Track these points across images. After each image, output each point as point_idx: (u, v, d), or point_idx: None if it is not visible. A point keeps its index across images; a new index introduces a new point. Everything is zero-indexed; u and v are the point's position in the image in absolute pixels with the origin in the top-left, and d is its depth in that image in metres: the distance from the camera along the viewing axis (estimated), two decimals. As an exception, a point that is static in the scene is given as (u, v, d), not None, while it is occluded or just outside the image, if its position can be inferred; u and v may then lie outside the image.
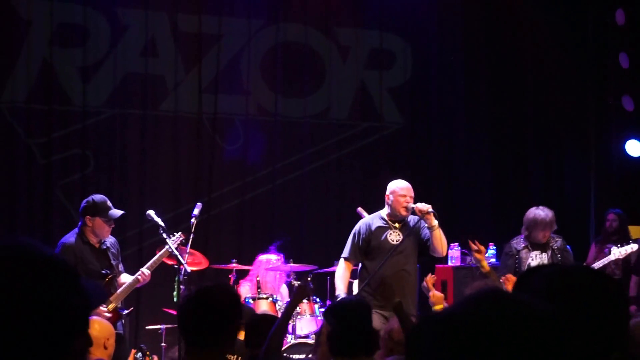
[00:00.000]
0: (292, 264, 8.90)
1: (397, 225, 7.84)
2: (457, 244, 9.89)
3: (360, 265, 7.95)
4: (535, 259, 8.34)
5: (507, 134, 12.21)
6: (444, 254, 8.00)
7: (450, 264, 9.78)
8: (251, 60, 11.15)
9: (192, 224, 8.23)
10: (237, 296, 4.02)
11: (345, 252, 7.91)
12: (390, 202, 7.84)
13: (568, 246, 9.79)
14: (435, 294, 6.59)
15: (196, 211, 8.38)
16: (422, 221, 7.76)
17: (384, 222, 7.86)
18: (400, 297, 7.37)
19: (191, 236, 8.12)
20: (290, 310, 5.48)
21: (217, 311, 3.79)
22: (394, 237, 7.77)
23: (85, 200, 7.79)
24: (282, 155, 11.24)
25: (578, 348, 1.76)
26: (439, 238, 7.67)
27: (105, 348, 5.34)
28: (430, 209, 7.61)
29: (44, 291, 1.43)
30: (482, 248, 7.39)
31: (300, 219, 11.20)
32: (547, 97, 12.30)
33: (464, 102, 12.01)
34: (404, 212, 7.77)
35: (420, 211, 7.62)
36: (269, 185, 11.15)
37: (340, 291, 7.70)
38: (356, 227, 7.97)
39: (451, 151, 11.97)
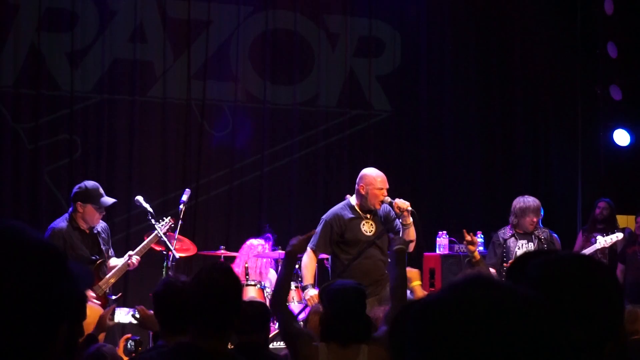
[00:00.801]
0: (279, 251, 8.90)
1: (368, 216, 7.56)
2: (445, 232, 9.91)
3: (330, 257, 7.69)
4: (522, 248, 8.41)
5: (495, 123, 12.22)
6: (411, 250, 7.38)
7: (438, 252, 9.80)
8: (240, 47, 11.12)
9: (181, 210, 8.23)
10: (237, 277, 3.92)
11: (313, 243, 7.43)
12: (364, 194, 7.50)
13: (555, 235, 9.83)
14: (410, 270, 6.52)
15: (184, 197, 8.38)
16: (392, 212, 7.51)
17: (355, 213, 7.57)
18: (379, 287, 7.39)
19: (179, 222, 8.12)
20: (289, 263, 5.29)
21: (224, 294, 3.69)
22: (367, 228, 7.52)
23: (77, 186, 7.74)
24: (271, 142, 11.23)
25: (572, 337, 1.77)
26: (410, 236, 7.31)
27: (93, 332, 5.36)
28: (410, 207, 7.33)
29: (31, 275, 1.42)
30: (476, 240, 7.31)
31: (289, 206, 11.21)
32: (535, 86, 12.33)
33: (452, 91, 12.02)
34: (378, 206, 7.51)
35: (399, 208, 7.33)
36: (257, 172, 11.14)
37: (308, 282, 7.52)
38: (326, 218, 7.61)
39: (439, 139, 11.99)
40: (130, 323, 7.57)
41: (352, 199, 7.68)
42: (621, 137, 11.97)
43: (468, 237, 7.10)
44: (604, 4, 11.81)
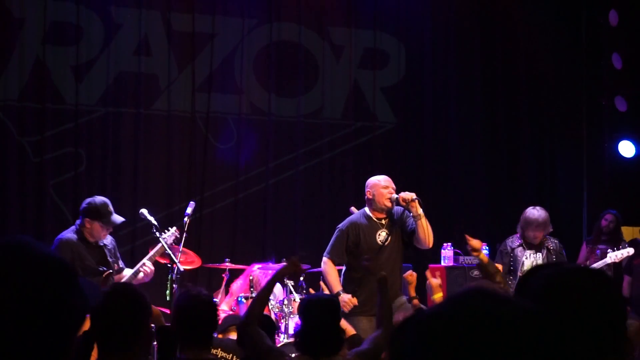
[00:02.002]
0: (284, 263, 8.88)
1: (383, 222, 7.62)
2: (450, 243, 9.87)
3: (345, 266, 7.71)
4: (529, 258, 8.33)
5: (500, 134, 12.22)
6: (430, 245, 7.59)
7: (443, 263, 9.77)
8: (244, 60, 11.13)
9: (185, 223, 8.22)
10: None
11: (331, 252, 7.60)
12: (372, 197, 7.61)
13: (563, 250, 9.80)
14: (432, 282, 6.49)
15: (189, 210, 8.37)
16: (406, 212, 7.56)
17: (371, 221, 7.64)
18: (392, 294, 7.36)
19: (184, 235, 8.11)
20: (273, 280, 5.50)
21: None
22: (383, 237, 7.58)
23: (87, 201, 7.71)
24: (275, 154, 11.23)
25: (574, 349, 1.76)
26: (424, 227, 7.40)
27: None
28: (415, 197, 7.38)
29: (41, 290, 1.42)
30: (475, 244, 7.25)
31: (293, 219, 11.20)
32: (540, 97, 12.32)
33: (457, 102, 12.02)
34: (388, 204, 7.55)
35: (405, 200, 7.40)
36: (262, 184, 11.14)
37: (337, 288, 7.40)
38: (342, 227, 7.69)
39: (444, 151, 11.98)
40: None
41: (367, 209, 7.74)
42: (626, 149, 11.95)
43: (472, 242, 7.06)
44: (609, 15, 11.80)
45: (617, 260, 9.17)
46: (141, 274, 7.71)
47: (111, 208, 7.68)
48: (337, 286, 7.47)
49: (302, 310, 4.74)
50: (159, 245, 7.82)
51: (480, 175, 12.02)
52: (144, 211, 8.12)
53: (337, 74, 11.58)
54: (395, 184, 7.85)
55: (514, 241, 8.43)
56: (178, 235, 8.03)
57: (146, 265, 7.72)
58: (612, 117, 11.97)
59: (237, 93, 11.10)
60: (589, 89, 12.24)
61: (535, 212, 8.33)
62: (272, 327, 5.05)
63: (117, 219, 7.71)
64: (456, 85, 12.04)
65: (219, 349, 5.76)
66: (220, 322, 6.12)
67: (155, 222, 7.94)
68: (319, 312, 4.64)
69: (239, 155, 11.04)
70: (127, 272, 7.83)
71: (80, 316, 1.51)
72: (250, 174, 11.09)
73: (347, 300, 7.36)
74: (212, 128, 10.98)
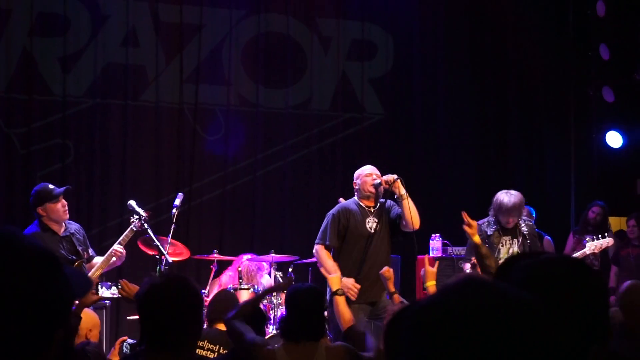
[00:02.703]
0: (273, 255, 8.89)
1: (372, 210, 7.65)
2: (438, 234, 9.90)
3: (333, 251, 7.65)
4: (505, 244, 8.06)
5: (488, 125, 12.24)
6: (417, 227, 7.45)
7: (431, 254, 9.79)
8: (232, 51, 11.11)
9: (174, 215, 8.21)
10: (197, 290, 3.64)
11: (324, 238, 7.56)
12: (358, 187, 7.71)
13: (548, 237, 9.79)
14: (429, 270, 6.48)
15: (177, 202, 8.36)
16: (393, 202, 7.62)
17: (361, 208, 7.67)
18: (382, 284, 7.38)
19: (172, 227, 8.10)
20: (265, 292, 5.68)
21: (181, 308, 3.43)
22: (372, 224, 7.61)
23: (31, 193, 7.71)
24: (264, 145, 11.23)
25: (557, 340, 1.77)
26: (409, 208, 7.40)
27: (87, 338, 5.28)
28: (397, 177, 7.43)
29: (27, 280, 1.41)
30: (474, 222, 7.25)
31: (282, 210, 11.20)
32: (528, 87, 12.35)
33: (445, 93, 12.03)
34: (372, 189, 7.59)
35: (387, 182, 7.45)
36: (250, 175, 11.13)
37: (335, 270, 7.13)
38: (334, 212, 7.69)
39: (433, 142, 11.99)
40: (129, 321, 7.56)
41: (356, 197, 7.79)
42: (614, 139, 11.99)
43: (466, 220, 7.06)
44: (596, 5, 11.82)
45: (596, 251, 8.86)
46: (114, 258, 7.66)
47: (51, 186, 7.61)
48: (336, 270, 7.25)
49: (287, 298, 4.81)
50: (131, 225, 7.81)
51: (468, 165, 12.04)
52: (132, 202, 8.10)
53: (325, 66, 11.57)
54: (383, 175, 7.86)
55: (490, 226, 8.06)
56: (147, 217, 7.93)
57: (116, 250, 7.68)
58: (599, 107, 12.00)
59: (225, 84, 11.08)
60: (577, 80, 12.26)
61: (506, 197, 7.94)
62: (262, 319, 5.08)
63: (61, 189, 7.64)
64: (444, 76, 12.05)
65: (205, 341, 5.76)
66: (207, 313, 6.12)
67: (144, 214, 7.92)
68: (302, 298, 4.71)
69: (227, 146, 11.03)
70: (98, 260, 7.79)
71: (66, 306, 1.50)
72: (238, 165, 11.08)
73: (351, 285, 7.32)
74: (200, 119, 10.97)
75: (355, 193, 7.78)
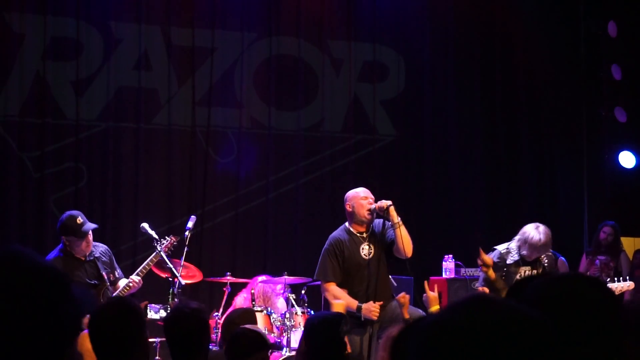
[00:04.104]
0: (286, 277, 8.87)
1: (365, 235, 7.54)
2: (451, 255, 9.88)
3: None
4: (524, 275, 7.91)
5: (500, 146, 12.22)
6: (409, 255, 7.31)
7: (444, 275, 9.78)
8: (244, 74, 11.15)
9: (186, 237, 8.23)
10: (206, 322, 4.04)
11: (326, 275, 7.50)
12: (352, 210, 7.54)
13: (563, 257, 9.71)
14: (430, 295, 6.47)
15: (190, 224, 8.37)
16: (386, 223, 7.45)
17: (353, 236, 7.56)
18: (385, 305, 7.35)
19: (185, 249, 8.11)
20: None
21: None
22: (367, 251, 7.52)
23: (59, 220, 7.73)
24: (276, 168, 11.24)
25: (575, 356, 1.76)
26: (401, 236, 7.28)
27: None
28: (390, 203, 7.28)
29: (35, 299, 1.41)
30: (489, 261, 7.17)
31: (294, 232, 11.19)
32: (539, 108, 12.33)
33: (456, 114, 12.03)
34: (368, 215, 7.46)
35: (381, 208, 7.32)
36: (262, 198, 11.14)
37: (356, 303, 7.25)
38: (327, 247, 7.60)
39: (444, 163, 11.98)
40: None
41: (347, 224, 7.69)
42: (626, 159, 11.96)
43: (485, 258, 6.97)
44: (608, 26, 11.83)
45: (617, 293, 8.76)
46: (131, 284, 7.71)
47: (81, 219, 7.60)
48: (353, 302, 7.32)
49: (306, 330, 4.65)
50: (154, 252, 7.83)
51: (480, 186, 12.02)
52: (145, 225, 8.13)
53: (336, 87, 11.59)
54: (395, 197, 7.84)
55: (512, 256, 7.84)
56: (175, 243, 8.01)
57: (133, 280, 7.71)
58: (611, 127, 11.97)
59: (237, 107, 11.11)
60: (589, 100, 12.25)
61: (537, 235, 7.66)
62: (259, 343, 4.98)
63: (89, 227, 7.64)
64: (455, 97, 12.05)
65: None
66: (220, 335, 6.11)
67: (156, 236, 7.95)
68: (319, 331, 4.57)
69: (239, 169, 11.04)
70: (122, 283, 7.82)
71: (75, 324, 1.50)
72: (250, 187, 11.09)
73: (372, 308, 7.27)
74: (212, 142, 10.99)
75: (347, 217, 7.66)
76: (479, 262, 7.07)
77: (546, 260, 7.90)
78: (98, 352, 3.65)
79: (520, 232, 7.88)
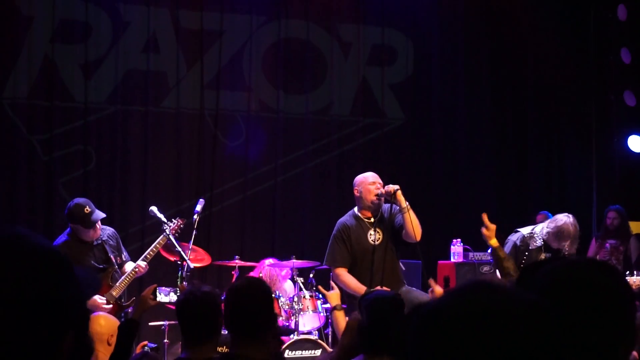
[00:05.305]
0: (294, 261, 8.88)
1: (372, 221, 7.53)
2: (459, 239, 9.87)
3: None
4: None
5: (508, 130, 12.21)
6: (418, 239, 7.32)
7: (452, 260, 9.77)
8: (253, 57, 11.14)
9: (195, 221, 8.24)
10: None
11: (335, 261, 7.53)
12: (359, 195, 7.55)
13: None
14: (437, 291, 6.48)
15: (199, 207, 8.39)
16: (394, 207, 7.44)
17: (360, 222, 7.57)
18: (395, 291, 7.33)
19: (194, 232, 8.13)
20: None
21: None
22: (375, 236, 7.51)
23: (67, 206, 7.75)
24: (284, 151, 11.24)
25: (584, 341, 1.76)
26: (410, 220, 7.28)
27: (109, 344, 5.29)
28: (397, 188, 7.28)
29: (35, 281, 1.40)
30: (492, 226, 7.14)
31: (302, 215, 11.20)
32: (548, 92, 12.30)
33: (465, 98, 12.01)
34: (375, 200, 7.47)
35: (389, 193, 7.32)
36: (270, 181, 11.15)
37: (362, 289, 7.20)
38: (335, 233, 7.62)
39: (453, 146, 11.97)
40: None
41: (355, 209, 7.69)
42: (636, 143, 11.93)
43: (486, 223, 6.96)
44: (617, 10, 11.79)
45: (634, 287, 8.69)
46: (137, 269, 7.75)
47: (89, 208, 7.60)
48: (361, 287, 7.32)
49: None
50: (162, 235, 7.86)
51: (488, 171, 12.01)
52: (154, 208, 8.15)
53: (345, 71, 11.58)
54: (403, 180, 7.83)
55: (535, 241, 7.79)
56: (182, 225, 8.02)
57: (139, 265, 7.75)
58: (621, 112, 11.95)
59: (246, 90, 11.10)
60: (598, 84, 12.22)
61: (571, 226, 7.67)
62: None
63: (97, 216, 7.65)
64: (464, 81, 12.03)
65: (224, 347, 5.76)
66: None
67: (165, 220, 7.97)
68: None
69: (247, 152, 11.05)
70: (130, 266, 7.86)
71: (77, 307, 1.49)
72: (259, 171, 11.10)
73: None
74: (220, 125, 10.99)
75: (356, 202, 7.67)
76: (483, 228, 7.03)
77: (567, 251, 7.83)
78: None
79: (552, 218, 7.90)
